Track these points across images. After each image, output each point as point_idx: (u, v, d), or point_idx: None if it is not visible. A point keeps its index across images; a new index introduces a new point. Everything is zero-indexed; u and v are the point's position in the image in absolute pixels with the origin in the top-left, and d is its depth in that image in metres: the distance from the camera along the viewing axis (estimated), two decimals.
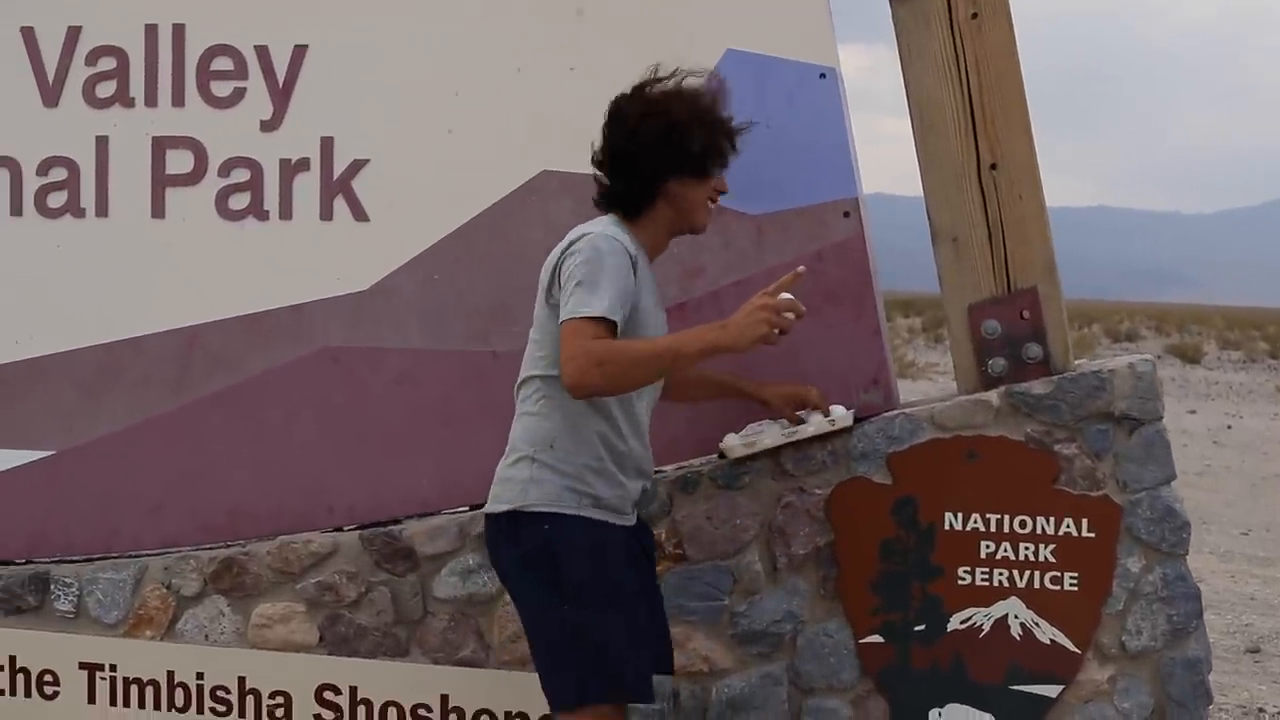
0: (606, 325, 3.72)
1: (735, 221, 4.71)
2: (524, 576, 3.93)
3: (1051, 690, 4.32)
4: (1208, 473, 17.31)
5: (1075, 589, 4.29)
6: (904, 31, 4.59)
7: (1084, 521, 4.27)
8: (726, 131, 4.08)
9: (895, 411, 4.47)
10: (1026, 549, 4.31)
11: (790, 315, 3.72)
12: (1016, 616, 4.32)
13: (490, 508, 3.97)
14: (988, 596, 4.34)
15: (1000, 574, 4.32)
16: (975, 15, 4.53)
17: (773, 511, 4.52)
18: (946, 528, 4.35)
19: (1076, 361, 4.56)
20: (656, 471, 4.68)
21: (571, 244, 3.90)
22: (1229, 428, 22.48)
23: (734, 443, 4.50)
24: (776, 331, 3.72)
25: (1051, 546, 4.30)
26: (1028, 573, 4.31)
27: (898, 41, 4.61)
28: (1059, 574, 4.30)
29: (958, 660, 4.36)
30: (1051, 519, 4.29)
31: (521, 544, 3.90)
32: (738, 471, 4.52)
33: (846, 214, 4.60)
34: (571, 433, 3.89)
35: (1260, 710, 7.47)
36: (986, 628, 4.34)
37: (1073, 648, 4.31)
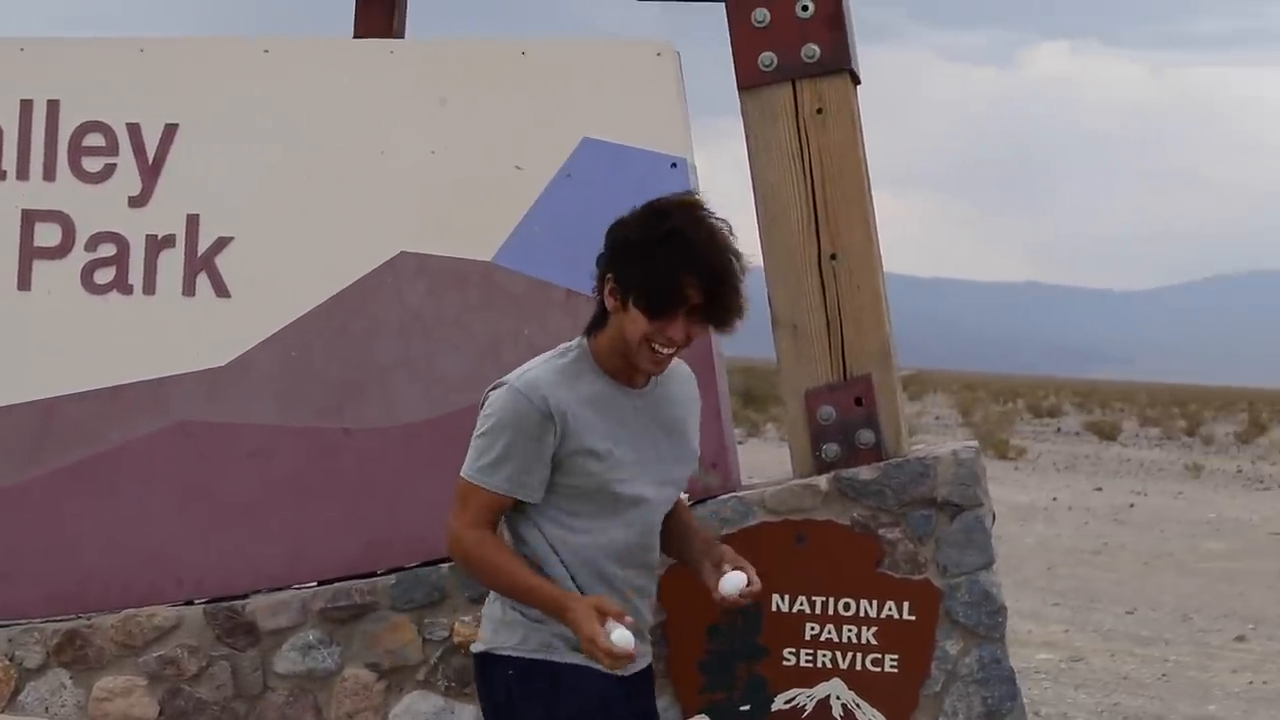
0: (500, 497, 3.68)
1: (585, 306, 4.84)
2: None
3: None
4: (1104, 551, 18.00)
5: (895, 671, 4.45)
6: (751, 124, 4.81)
7: (905, 605, 4.43)
8: (701, 279, 3.59)
9: (728, 495, 4.59)
10: (849, 631, 4.45)
11: (603, 656, 3.51)
12: (838, 697, 4.46)
13: (473, 645, 3.98)
14: (811, 677, 4.49)
15: (824, 655, 4.47)
16: (820, 111, 4.75)
17: None
18: (773, 609, 4.51)
19: (914, 447, 4.69)
20: None
21: (490, 391, 3.77)
22: (1132, 506, 23.28)
23: None
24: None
25: (874, 629, 4.44)
26: (850, 654, 4.46)
27: (745, 134, 4.82)
28: (880, 656, 4.46)
29: None
30: (874, 602, 4.44)
31: (489, 690, 3.86)
32: None
33: None
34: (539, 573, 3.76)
35: None
36: (809, 708, 4.48)
37: None
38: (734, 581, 3.72)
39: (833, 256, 4.75)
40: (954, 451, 4.55)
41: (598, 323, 3.77)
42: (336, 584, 4.92)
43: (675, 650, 4.61)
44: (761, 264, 4.82)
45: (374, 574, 4.90)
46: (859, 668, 4.49)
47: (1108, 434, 44.72)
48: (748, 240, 4.83)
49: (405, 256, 5.04)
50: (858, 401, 4.69)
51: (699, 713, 4.59)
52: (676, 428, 3.86)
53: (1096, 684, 10.26)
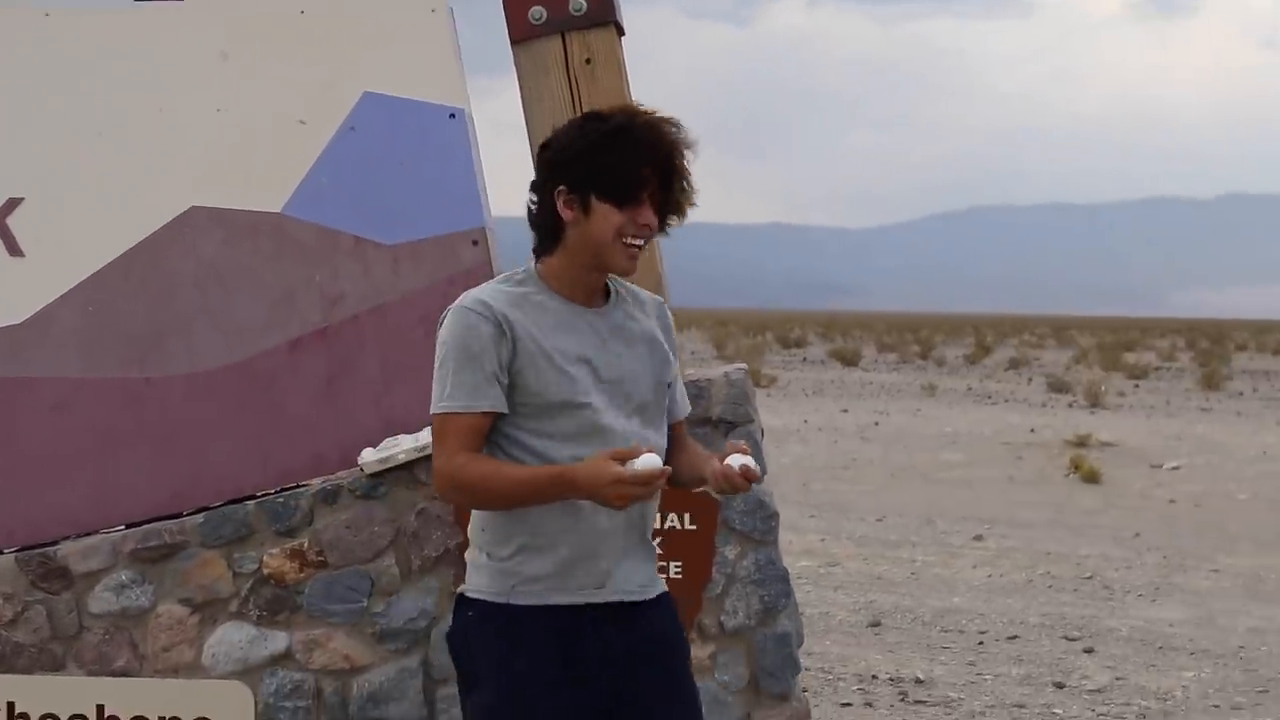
0: (471, 416, 3.44)
1: (373, 251, 5.02)
2: (453, 662, 3.72)
3: None
4: (853, 465, 18.77)
5: (680, 577, 4.64)
6: (524, 74, 4.95)
7: (686, 516, 4.63)
8: (658, 161, 3.48)
9: None
10: None
11: (640, 489, 3.30)
12: None
13: None
14: None
15: None
16: (589, 61, 4.91)
17: (407, 518, 4.76)
18: None
19: (687, 372, 4.89)
20: (299, 486, 4.86)
21: (440, 321, 3.59)
22: (876, 424, 24.18)
23: (370, 457, 4.75)
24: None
25: (659, 539, 4.59)
26: None
27: (519, 83, 4.96)
28: (665, 564, 4.65)
29: None
30: (658, 515, 4.58)
31: (452, 630, 3.68)
32: (375, 483, 4.77)
33: (475, 242, 4.92)
34: (495, 521, 3.56)
35: (874, 677, 8.18)
36: None
37: None
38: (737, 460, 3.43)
39: None
40: (726, 374, 4.79)
41: (545, 247, 3.56)
42: (146, 525, 4.97)
43: None
44: None
45: (181, 514, 4.97)
46: None
47: (850, 361, 46.13)
48: None
49: (197, 210, 5.10)
50: None
51: None
52: (642, 347, 3.60)
53: (853, 585, 10.75)
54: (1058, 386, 33.63)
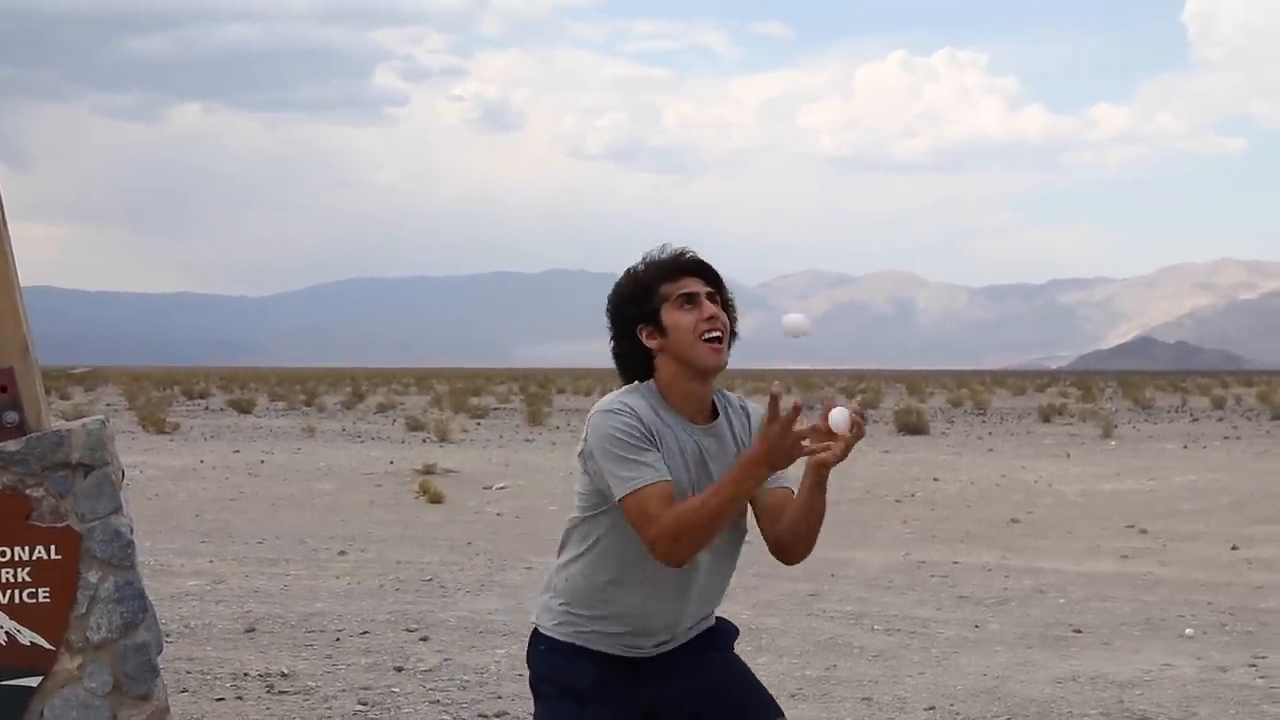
0: (657, 485, 3.26)
1: None
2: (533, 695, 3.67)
3: (34, 681, 4.45)
4: (240, 498, 18.33)
5: (48, 601, 4.43)
6: None
7: (52, 547, 4.43)
8: (666, 266, 3.46)
9: None
10: (7, 573, 4.41)
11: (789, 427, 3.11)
12: (1, 627, 4.33)
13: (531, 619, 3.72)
14: None
15: None
16: None
17: None
18: None
19: (54, 423, 4.65)
20: None
21: (587, 421, 3.42)
22: (262, 462, 23.79)
23: None
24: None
25: (27, 569, 4.40)
26: (9, 591, 4.41)
27: None
28: (35, 590, 4.43)
29: None
30: (26, 548, 4.41)
31: (531, 658, 3.64)
32: None
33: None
34: (582, 586, 3.51)
35: (246, 675, 7.97)
36: None
37: (48, 646, 4.45)
38: (841, 415, 3.17)
39: None
40: (84, 424, 4.57)
41: (642, 374, 3.48)
42: None
43: None
44: None
45: None
46: (18, 602, 4.41)
47: (245, 409, 45.04)
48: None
49: None
50: (2, 389, 4.59)
51: None
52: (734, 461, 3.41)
53: (233, 598, 10.44)
54: (415, 425, 34.08)
